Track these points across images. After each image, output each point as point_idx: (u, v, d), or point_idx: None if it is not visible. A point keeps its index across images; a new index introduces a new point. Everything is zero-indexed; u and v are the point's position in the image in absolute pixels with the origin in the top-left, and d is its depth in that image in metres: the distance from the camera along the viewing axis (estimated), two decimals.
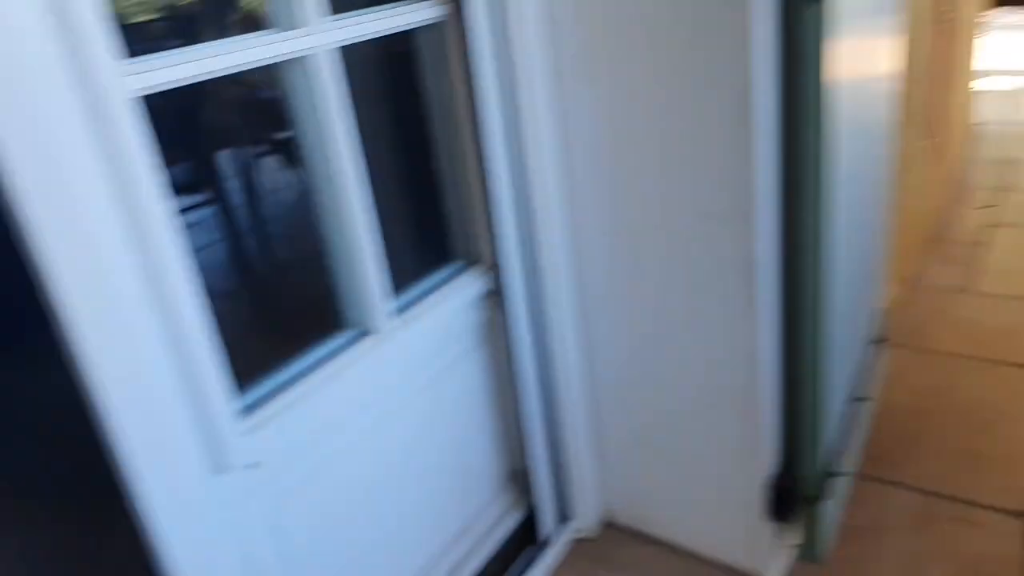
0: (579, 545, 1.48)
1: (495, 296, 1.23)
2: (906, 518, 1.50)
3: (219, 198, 2.08)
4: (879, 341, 1.65)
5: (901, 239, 2.09)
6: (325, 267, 1.06)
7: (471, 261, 1.24)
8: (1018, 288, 2.31)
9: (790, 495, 1.26)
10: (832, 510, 1.37)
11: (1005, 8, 6.14)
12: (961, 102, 3.15)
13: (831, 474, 1.29)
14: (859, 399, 1.47)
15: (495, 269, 1.20)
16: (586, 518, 1.47)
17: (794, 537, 1.34)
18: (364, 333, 1.06)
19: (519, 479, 1.41)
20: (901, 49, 1.62)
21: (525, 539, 1.42)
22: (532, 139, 1.14)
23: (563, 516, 1.44)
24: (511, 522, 1.44)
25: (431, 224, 1.26)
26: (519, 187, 1.17)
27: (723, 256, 1.10)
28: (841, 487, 1.42)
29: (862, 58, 1.22)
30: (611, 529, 1.51)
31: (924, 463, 1.64)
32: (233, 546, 0.86)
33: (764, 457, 1.23)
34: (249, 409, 0.92)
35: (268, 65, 0.90)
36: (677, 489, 1.36)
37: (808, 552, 1.32)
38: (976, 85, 3.80)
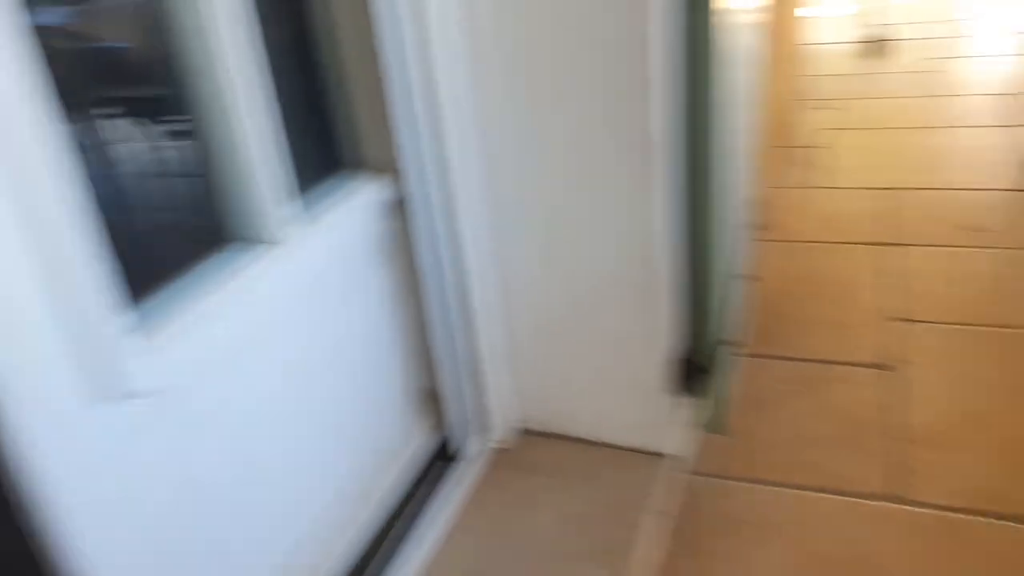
0: (497, 455, 1.53)
1: (401, 205, 1.19)
2: (789, 385, 1.65)
3: None
4: (753, 227, 1.78)
5: (759, 146, 2.27)
6: (214, 177, 0.94)
7: (374, 167, 1.18)
8: (859, 181, 2.56)
9: (692, 369, 1.36)
10: (729, 382, 1.49)
11: None
12: (789, 24, 3.42)
13: (727, 344, 1.40)
14: (739, 277, 1.59)
15: (397, 174, 1.16)
16: (503, 428, 1.50)
17: (699, 413, 1.44)
18: (258, 242, 0.98)
19: (435, 398, 1.41)
20: None
21: (445, 457, 1.43)
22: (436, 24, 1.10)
23: (481, 429, 1.47)
24: (429, 442, 1.44)
25: (326, 127, 1.15)
26: (423, 80, 1.12)
27: (622, 136, 1.15)
28: (735, 362, 1.54)
29: None
30: (529, 435, 1.57)
31: (796, 336, 1.80)
32: (123, 484, 0.77)
33: (666, 336, 1.31)
34: (140, 328, 0.80)
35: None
36: (588, 383, 1.42)
37: (713, 424, 1.43)
38: (802, 10, 4.15)
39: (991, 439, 1.43)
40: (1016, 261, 1.96)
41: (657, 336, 1.30)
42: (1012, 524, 1.26)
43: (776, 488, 1.40)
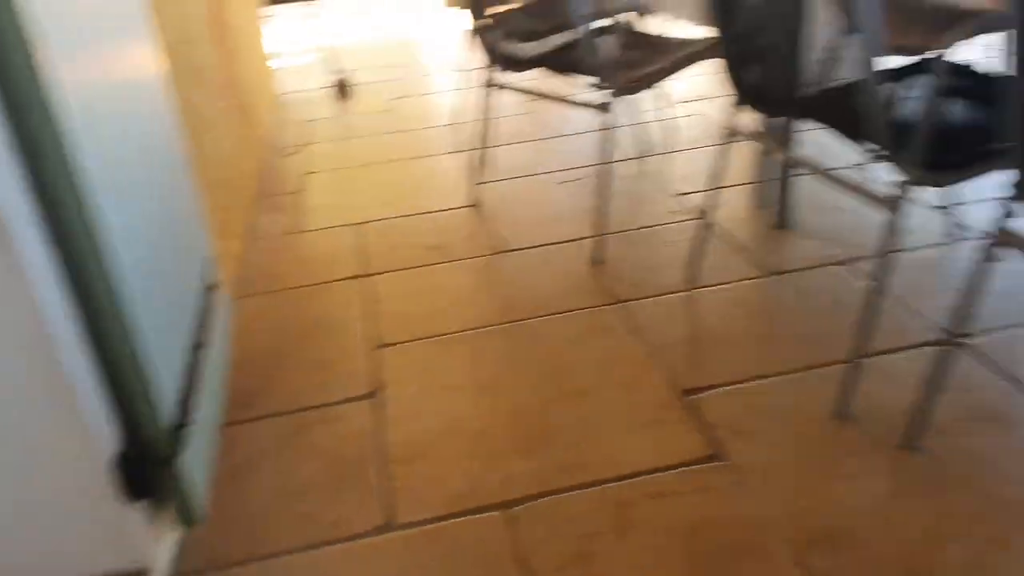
0: None
1: None
2: (276, 440, 1.59)
3: None
4: (213, 287, 1.68)
5: (229, 197, 2.19)
6: None
7: None
8: (334, 220, 2.63)
9: (143, 465, 1.20)
10: (198, 464, 1.35)
11: (279, 5, 7.37)
12: (263, 77, 3.44)
13: (183, 426, 1.26)
14: (199, 346, 1.47)
15: None
16: None
17: (170, 508, 1.28)
18: None
19: None
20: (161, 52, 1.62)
21: None
22: None
23: None
24: None
25: None
26: None
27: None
28: (205, 439, 1.42)
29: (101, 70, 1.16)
30: None
31: (287, 387, 1.75)
32: None
33: (99, 440, 1.13)
34: None
35: None
36: (14, 520, 1.17)
37: (185, 515, 1.28)
38: (275, 62, 4.22)
39: (464, 440, 1.53)
40: (472, 268, 2.18)
41: (86, 444, 1.11)
42: (488, 514, 1.35)
43: (274, 559, 1.31)
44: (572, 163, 2.90)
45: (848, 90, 1.46)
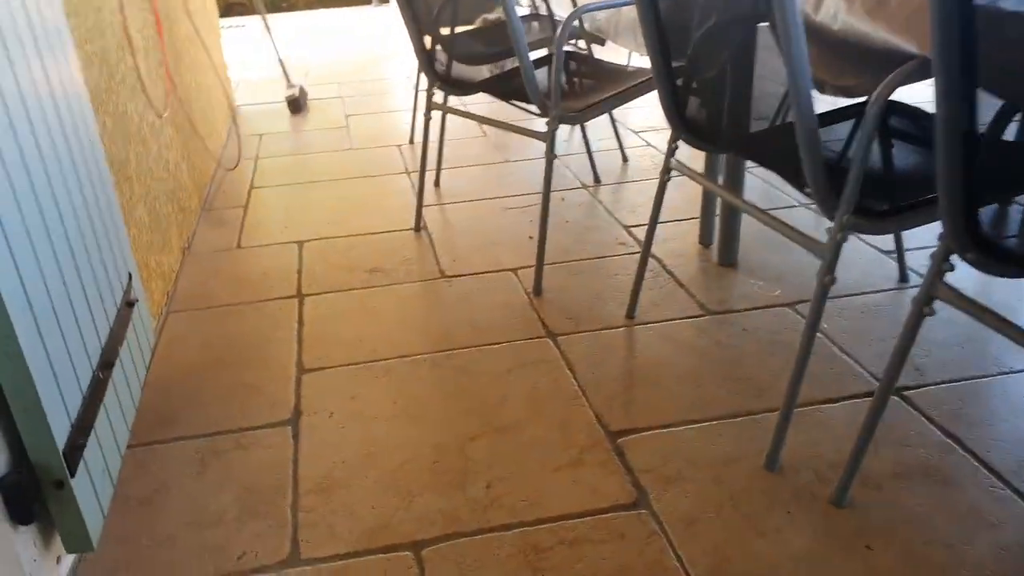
0: None
1: None
2: (189, 465, 1.51)
3: None
4: (131, 303, 1.60)
5: (167, 210, 2.10)
6: None
7: None
8: (271, 238, 2.56)
9: (28, 488, 1.12)
10: (99, 487, 1.27)
11: (239, 18, 7.56)
12: (216, 89, 3.36)
13: (79, 448, 1.18)
14: (108, 365, 1.39)
15: None
16: None
17: (58, 534, 1.20)
18: None
19: None
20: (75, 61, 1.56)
21: None
22: None
23: None
24: None
25: None
26: None
27: None
28: (106, 460, 1.33)
29: None
30: None
31: (205, 410, 1.68)
32: None
33: None
34: None
35: None
36: None
37: (77, 542, 1.20)
38: (231, 73, 4.15)
39: (381, 473, 1.47)
40: (408, 294, 2.13)
41: None
42: (398, 553, 1.29)
43: None
44: (522, 189, 2.87)
45: (785, 130, 1.45)
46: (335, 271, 2.29)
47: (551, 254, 2.33)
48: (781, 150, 1.46)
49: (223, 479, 1.47)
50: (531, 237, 2.46)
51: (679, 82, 1.72)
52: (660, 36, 1.66)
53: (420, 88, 3.60)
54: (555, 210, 2.66)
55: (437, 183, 2.98)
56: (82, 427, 1.22)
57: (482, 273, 2.24)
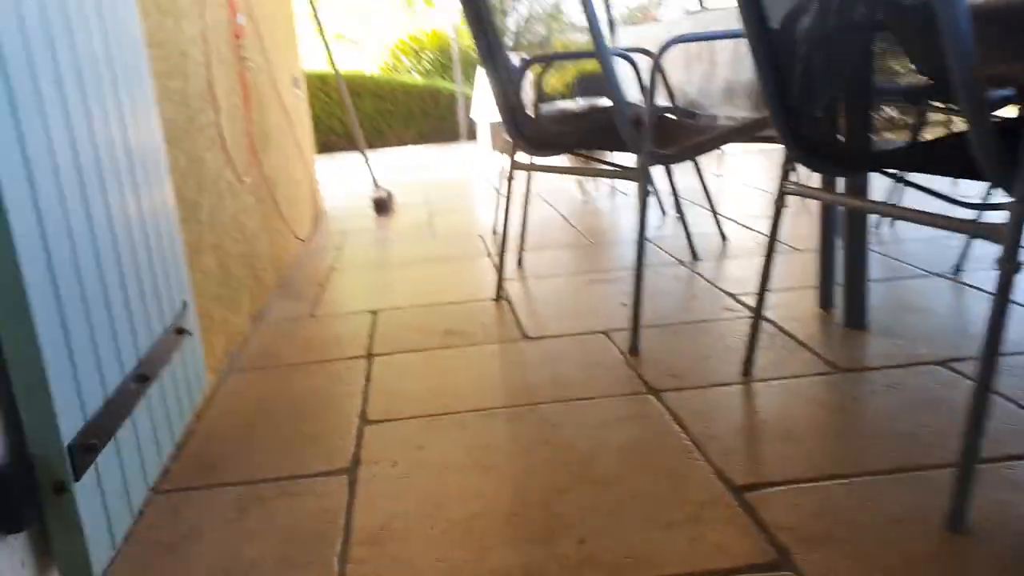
0: None
1: None
2: (227, 512, 1.28)
3: None
4: (180, 331, 1.44)
5: (240, 271, 2.00)
6: None
7: None
8: (344, 309, 2.41)
9: (22, 485, 0.91)
10: (108, 509, 1.05)
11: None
12: (303, 183, 3.39)
13: (90, 450, 0.98)
14: (144, 378, 1.21)
15: None
16: None
17: (54, 549, 0.98)
18: None
19: None
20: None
21: None
22: None
23: None
24: None
25: None
26: None
27: None
28: (126, 476, 1.12)
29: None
30: None
31: (253, 458, 1.46)
32: None
33: None
34: None
35: None
36: None
37: (74, 567, 0.97)
38: (321, 178, 4.24)
39: (447, 524, 1.20)
40: (487, 353, 1.91)
41: None
42: None
43: None
44: (609, 266, 2.67)
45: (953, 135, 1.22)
46: (408, 332, 2.10)
47: (648, 318, 2.08)
48: (951, 150, 1.22)
49: (263, 526, 1.23)
50: (624, 304, 2.23)
51: (791, 96, 1.53)
52: (767, 45, 1.48)
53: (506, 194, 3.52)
54: (651, 282, 2.43)
55: (520, 263, 2.81)
56: (98, 430, 1.03)
57: (569, 335, 2.01)
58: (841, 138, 1.60)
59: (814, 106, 1.52)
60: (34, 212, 0.92)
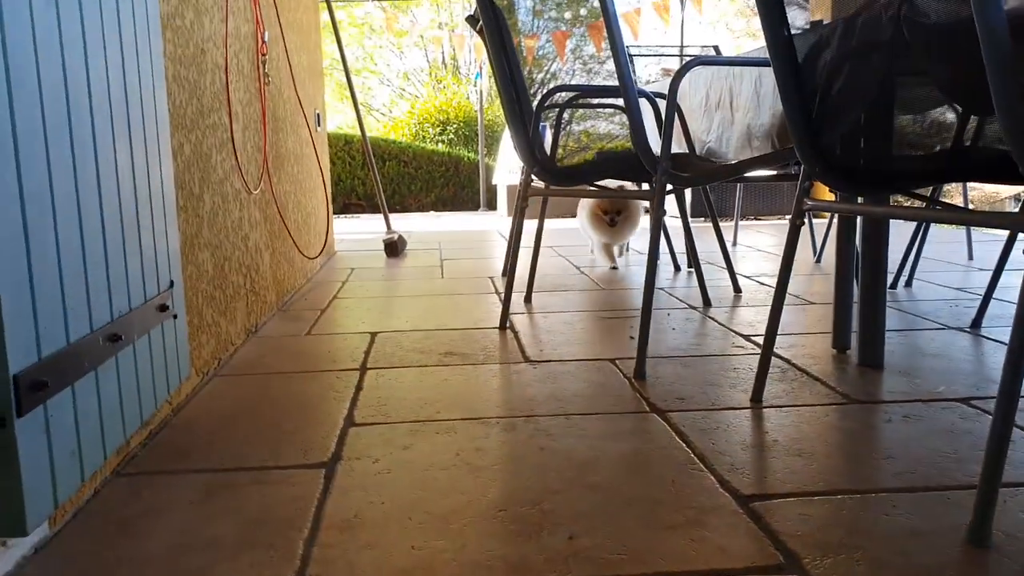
0: None
1: None
2: (191, 495, 1.19)
3: None
4: (163, 308, 1.37)
5: (239, 280, 1.94)
6: None
7: None
8: (342, 330, 2.35)
9: None
10: (53, 458, 0.97)
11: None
12: (313, 216, 3.38)
13: (39, 387, 0.91)
14: (115, 337, 1.14)
15: None
16: None
17: None
18: None
19: None
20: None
21: None
22: None
23: None
24: None
25: None
26: None
27: None
28: (76, 436, 1.04)
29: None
30: None
31: (228, 448, 1.37)
32: None
33: None
34: None
35: None
36: None
37: (7, 517, 0.88)
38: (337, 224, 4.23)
39: (426, 516, 1.11)
40: (487, 372, 1.83)
41: None
42: None
43: None
44: (618, 307, 2.60)
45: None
46: (405, 353, 2.03)
47: (657, 350, 2.00)
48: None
49: (228, 510, 1.14)
50: (632, 337, 2.15)
51: (812, 113, 1.49)
52: (790, 54, 1.46)
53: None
54: (662, 322, 2.36)
55: (528, 298, 2.75)
56: (52, 371, 0.95)
57: (573, 360, 1.93)
58: (864, 155, 1.56)
59: (837, 122, 1.48)
60: (12, 148, 0.88)
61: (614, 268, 3.45)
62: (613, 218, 3.29)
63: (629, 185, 3.05)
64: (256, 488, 1.21)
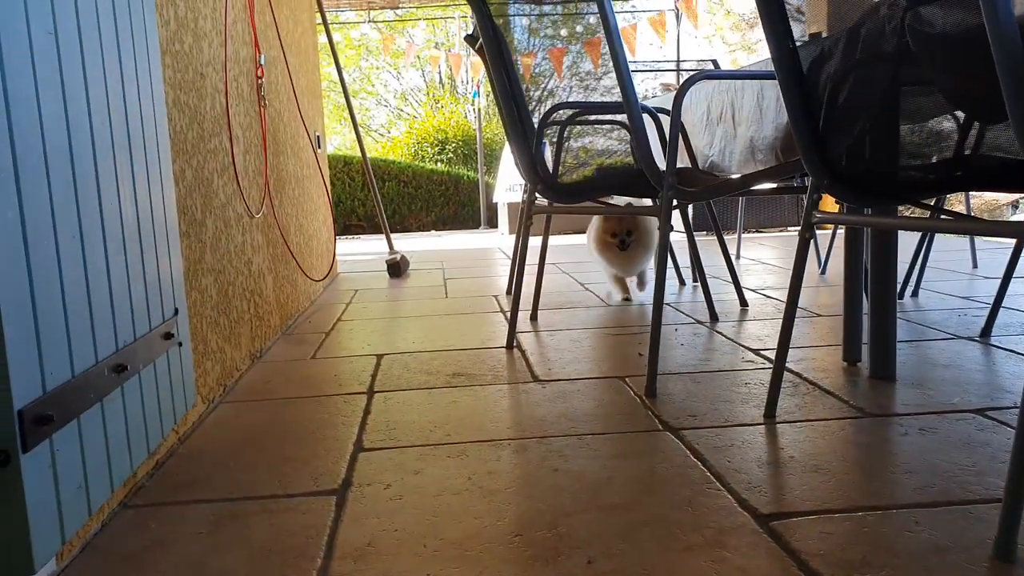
0: None
1: None
2: (199, 526, 1.17)
3: None
4: (168, 336, 1.36)
5: (242, 305, 1.93)
6: None
7: None
8: (347, 352, 2.33)
9: None
10: (60, 495, 0.95)
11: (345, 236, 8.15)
12: (317, 241, 3.37)
13: (45, 422, 0.89)
14: (120, 368, 1.13)
15: None
16: None
17: None
18: None
19: None
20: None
21: None
22: None
23: None
24: None
25: None
26: None
27: None
28: (83, 471, 1.02)
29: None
30: None
31: (235, 477, 1.35)
32: None
33: None
34: None
35: None
36: None
37: (14, 555, 0.86)
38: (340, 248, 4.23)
39: (440, 543, 1.08)
40: (495, 393, 1.81)
41: None
42: None
43: None
44: (625, 324, 2.58)
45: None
46: (412, 374, 2.01)
47: (666, 367, 1.98)
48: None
49: (237, 540, 1.12)
50: (640, 354, 2.13)
51: (818, 121, 1.48)
52: (795, 65, 1.45)
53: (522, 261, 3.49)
54: (670, 338, 2.34)
55: (534, 316, 2.73)
56: (58, 402, 0.94)
57: (582, 378, 1.91)
58: (872, 165, 1.55)
59: (844, 133, 1.47)
60: (13, 180, 0.87)
61: (627, 300, 3.09)
62: (623, 240, 2.88)
63: (637, 202, 3.01)
64: (266, 517, 1.19)
